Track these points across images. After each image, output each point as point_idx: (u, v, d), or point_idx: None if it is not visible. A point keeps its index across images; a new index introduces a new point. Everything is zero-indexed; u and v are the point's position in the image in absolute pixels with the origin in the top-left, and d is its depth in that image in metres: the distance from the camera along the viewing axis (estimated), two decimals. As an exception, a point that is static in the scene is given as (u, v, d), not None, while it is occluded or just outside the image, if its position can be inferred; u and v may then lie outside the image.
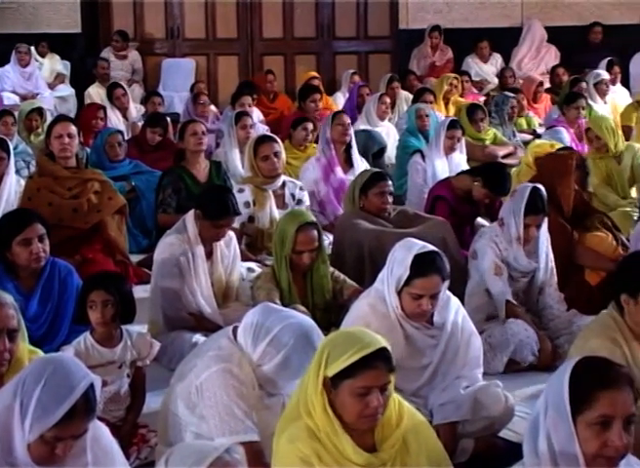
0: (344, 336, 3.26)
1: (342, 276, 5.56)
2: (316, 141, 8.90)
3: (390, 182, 6.32)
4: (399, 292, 4.27)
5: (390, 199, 6.30)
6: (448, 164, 7.99)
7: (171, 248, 5.52)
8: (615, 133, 7.98)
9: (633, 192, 7.96)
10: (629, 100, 11.42)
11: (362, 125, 9.76)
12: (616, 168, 7.94)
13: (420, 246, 4.30)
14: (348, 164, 7.89)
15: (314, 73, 12.56)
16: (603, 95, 11.05)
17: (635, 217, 7.31)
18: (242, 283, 5.93)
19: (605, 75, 11.30)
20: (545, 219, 5.62)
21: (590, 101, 10.65)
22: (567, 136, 8.99)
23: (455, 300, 4.47)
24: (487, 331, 5.42)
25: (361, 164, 7.89)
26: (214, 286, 5.60)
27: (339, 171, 7.75)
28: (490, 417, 4.35)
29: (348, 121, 8.06)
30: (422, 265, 4.22)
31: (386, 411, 3.21)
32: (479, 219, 7.01)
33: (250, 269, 6.23)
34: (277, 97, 12.39)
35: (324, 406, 3.16)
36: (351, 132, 8.04)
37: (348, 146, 7.98)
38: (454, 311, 4.42)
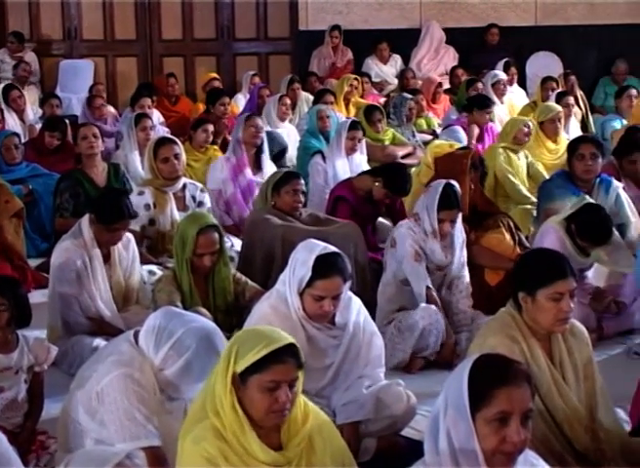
0: (253, 333, 3.27)
1: (244, 278, 5.56)
2: (213, 143, 8.88)
3: (303, 182, 6.37)
4: (301, 294, 4.27)
5: (302, 198, 6.34)
6: (349, 164, 8.02)
7: (67, 253, 5.47)
8: None
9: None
10: (526, 101, 11.62)
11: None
12: (520, 163, 8.12)
13: (322, 247, 4.31)
14: (257, 166, 7.86)
15: (214, 75, 12.51)
16: (500, 95, 11.20)
17: (534, 214, 7.42)
18: (143, 286, 5.89)
19: (502, 76, 11.45)
20: (460, 215, 5.69)
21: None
22: (464, 136, 9.11)
23: (356, 300, 4.49)
24: (397, 317, 5.48)
25: (270, 167, 7.88)
26: (113, 289, 5.56)
27: (247, 172, 7.72)
28: (392, 416, 4.39)
29: (261, 124, 8.04)
30: (324, 267, 4.23)
31: (293, 410, 3.22)
32: (380, 219, 7.06)
33: (151, 272, 6.19)
34: (179, 100, 12.34)
35: (233, 403, 3.14)
36: (263, 135, 8.01)
37: (259, 149, 7.95)
38: (355, 311, 4.44)
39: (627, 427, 4.20)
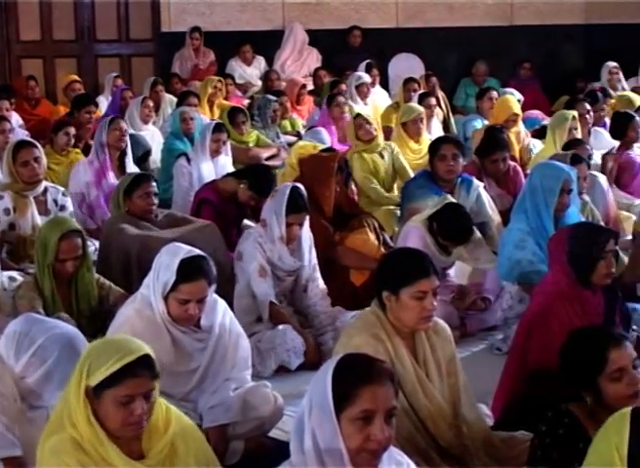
0: (106, 345, 3.22)
1: (108, 282, 5.48)
2: (75, 147, 8.73)
3: (155, 183, 6.29)
4: (165, 297, 4.24)
5: (156, 200, 6.26)
6: (213, 167, 8.00)
7: None
8: (378, 123, 8.27)
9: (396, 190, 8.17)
10: (389, 102, 11.75)
11: (126, 129, 9.65)
12: (381, 162, 8.17)
13: (186, 250, 4.28)
14: (121, 170, 7.76)
15: (75, 77, 12.29)
16: (364, 96, 11.32)
17: (399, 215, 7.50)
18: (3, 292, 5.77)
19: (365, 77, 11.57)
20: (307, 218, 5.70)
21: (351, 103, 10.90)
22: (327, 137, 9.17)
23: (222, 303, 4.48)
24: (256, 334, 5.46)
25: (135, 171, 7.79)
26: (-28, 297, 5.44)
27: (111, 176, 7.61)
28: (259, 418, 4.39)
29: (125, 127, 7.99)
30: (188, 270, 4.21)
31: (153, 418, 3.20)
32: (246, 221, 7.05)
33: (11, 278, 6.04)
34: (39, 102, 12.12)
35: (87, 416, 3.10)
36: (127, 138, 7.95)
37: (123, 153, 7.87)
38: (221, 314, 4.43)
39: (490, 422, 4.29)
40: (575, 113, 8.47)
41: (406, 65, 13.51)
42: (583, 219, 6.21)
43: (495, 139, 7.75)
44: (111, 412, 3.10)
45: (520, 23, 14.28)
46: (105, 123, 7.90)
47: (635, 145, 8.54)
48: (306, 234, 5.73)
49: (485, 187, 7.20)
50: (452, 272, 6.33)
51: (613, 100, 11.08)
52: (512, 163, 7.85)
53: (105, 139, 7.77)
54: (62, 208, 6.84)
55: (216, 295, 4.43)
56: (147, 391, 3.13)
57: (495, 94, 10.35)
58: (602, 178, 7.49)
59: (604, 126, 9.80)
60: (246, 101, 11.70)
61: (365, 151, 8.14)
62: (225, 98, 11.54)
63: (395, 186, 8.21)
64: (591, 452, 2.73)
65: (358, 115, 8.29)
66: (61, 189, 7.01)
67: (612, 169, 8.27)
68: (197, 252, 4.31)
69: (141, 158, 8.94)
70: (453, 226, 5.94)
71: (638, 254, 6.13)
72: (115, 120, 7.96)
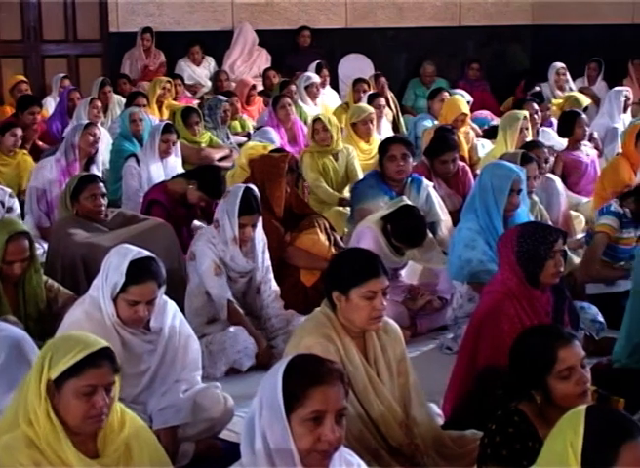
0: (67, 339, 3.24)
1: (56, 284, 5.43)
2: (22, 148, 8.66)
3: (102, 184, 6.24)
4: (115, 299, 4.21)
5: (104, 201, 6.21)
6: (163, 168, 7.97)
7: None
8: (338, 129, 8.25)
9: (347, 192, 8.15)
10: (339, 102, 11.77)
11: (74, 130, 9.59)
12: (332, 164, 8.16)
13: (136, 252, 4.26)
14: None
15: (22, 77, 12.16)
16: (314, 97, 11.33)
17: (349, 215, 7.50)
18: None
19: (315, 78, 11.59)
20: (260, 219, 5.69)
21: (301, 103, 10.91)
22: (276, 136, 9.16)
23: (171, 304, 4.46)
24: (207, 336, 5.44)
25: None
26: None
27: None
28: (210, 419, 4.38)
29: (99, 134, 8.01)
30: (138, 272, 4.18)
31: (110, 417, 3.18)
32: (196, 222, 7.03)
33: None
34: (-16, 104, 12.02)
35: (47, 411, 3.10)
36: (98, 146, 7.98)
37: (90, 159, 7.87)
38: (171, 315, 4.41)
39: (440, 421, 4.30)
40: (526, 113, 8.54)
41: (355, 66, 13.54)
42: (533, 219, 6.25)
43: (444, 140, 7.78)
44: (73, 405, 3.10)
45: (468, 24, 14.38)
46: (81, 126, 7.89)
47: (582, 144, 8.63)
48: (260, 235, 5.71)
49: (434, 187, 7.23)
50: (403, 272, 6.35)
51: (560, 101, 11.19)
52: (461, 163, 7.89)
53: (77, 142, 7.74)
54: (10, 209, 6.79)
55: (165, 297, 4.41)
56: (109, 383, 3.15)
57: (447, 94, 10.38)
58: (558, 181, 7.56)
59: (550, 125, 9.90)
60: (195, 102, 11.66)
61: (318, 153, 8.14)
62: (175, 99, 11.50)
63: (347, 189, 8.20)
64: (545, 450, 2.73)
65: (318, 119, 8.25)
66: (8, 190, 6.96)
67: (556, 166, 8.34)
68: (146, 253, 4.29)
69: (90, 159, 8.87)
70: (408, 229, 5.97)
71: (590, 254, 6.18)
72: (91, 125, 7.97)
